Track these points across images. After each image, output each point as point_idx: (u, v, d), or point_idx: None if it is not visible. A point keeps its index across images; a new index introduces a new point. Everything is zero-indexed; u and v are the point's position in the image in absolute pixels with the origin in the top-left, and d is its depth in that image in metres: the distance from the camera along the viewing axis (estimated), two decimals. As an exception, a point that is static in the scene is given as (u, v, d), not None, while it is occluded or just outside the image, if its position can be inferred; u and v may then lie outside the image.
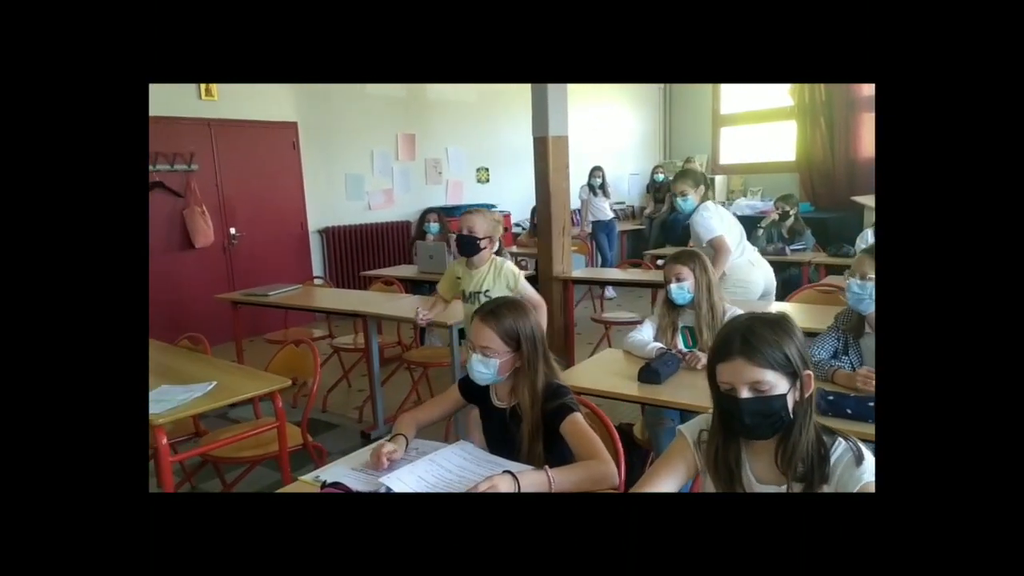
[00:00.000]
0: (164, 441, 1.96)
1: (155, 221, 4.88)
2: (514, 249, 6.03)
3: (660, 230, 7.73)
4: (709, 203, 3.37)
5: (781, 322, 1.14)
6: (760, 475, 1.18)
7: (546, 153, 4.13)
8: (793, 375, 1.11)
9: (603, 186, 6.72)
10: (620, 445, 1.66)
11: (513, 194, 7.28)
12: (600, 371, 2.23)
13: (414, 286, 4.41)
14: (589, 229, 6.79)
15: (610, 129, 8.41)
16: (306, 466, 2.52)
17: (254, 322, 4.91)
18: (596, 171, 6.70)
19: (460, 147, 7.01)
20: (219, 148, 5.23)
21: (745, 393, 1.10)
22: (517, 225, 7.22)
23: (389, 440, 1.56)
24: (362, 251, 6.20)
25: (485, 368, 1.52)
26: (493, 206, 6.98)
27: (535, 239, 5.07)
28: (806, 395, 1.12)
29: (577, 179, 6.79)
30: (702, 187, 3.35)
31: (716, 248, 3.19)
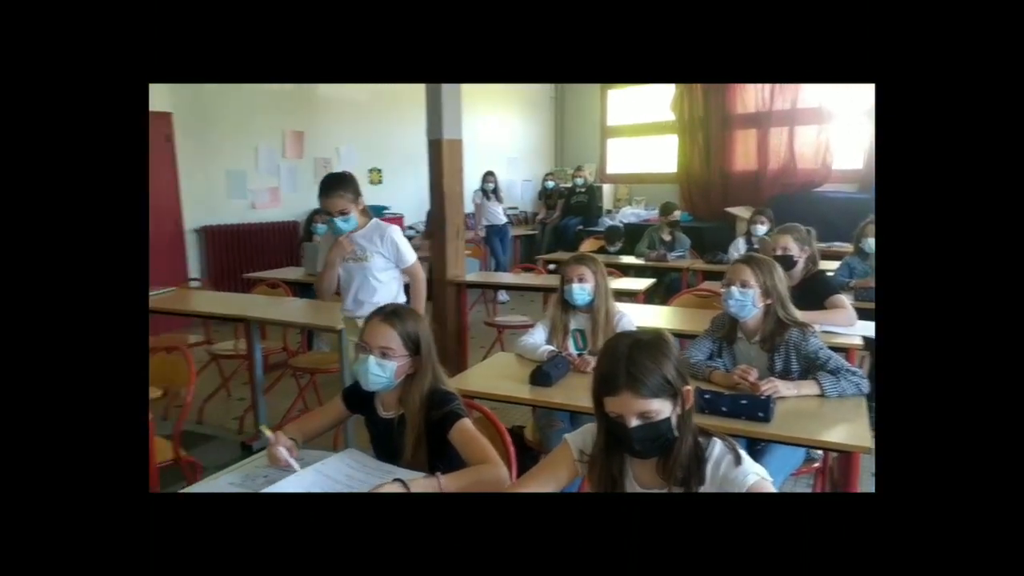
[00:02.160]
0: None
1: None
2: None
3: (552, 235, 7.96)
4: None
5: (659, 344, 1.17)
6: (643, 481, 1.24)
7: (440, 156, 4.11)
8: (675, 395, 1.16)
9: (496, 191, 6.80)
10: (512, 448, 1.68)
11: (407, 196, 7.18)
12: (492, 375, 2.24)
13: (301, 289, 4.23)
14: (483, 233, 6.83)
15: (503, 135, 8.51)
16: (179, 482, 2.34)
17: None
18: (489, 176, 6.77)
19: (352, 147, 6.82)
20: (79, 137, 4.76)
21: (634, 422, 1.14)
22: (410, 228, 7.12)
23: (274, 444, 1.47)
24: (245, 252, 5.87)
25: (382, 371, 1.48)
26: (386, 208, 6.86)
27: (429, 242, 5.04)
28: (687, 408, 1.18)
29: (471, 183, 6.84)
30: (360, 198, 2.62)
31: (416, 275, 2.72)
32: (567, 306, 2.41)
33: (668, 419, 1.15)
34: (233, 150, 5.80)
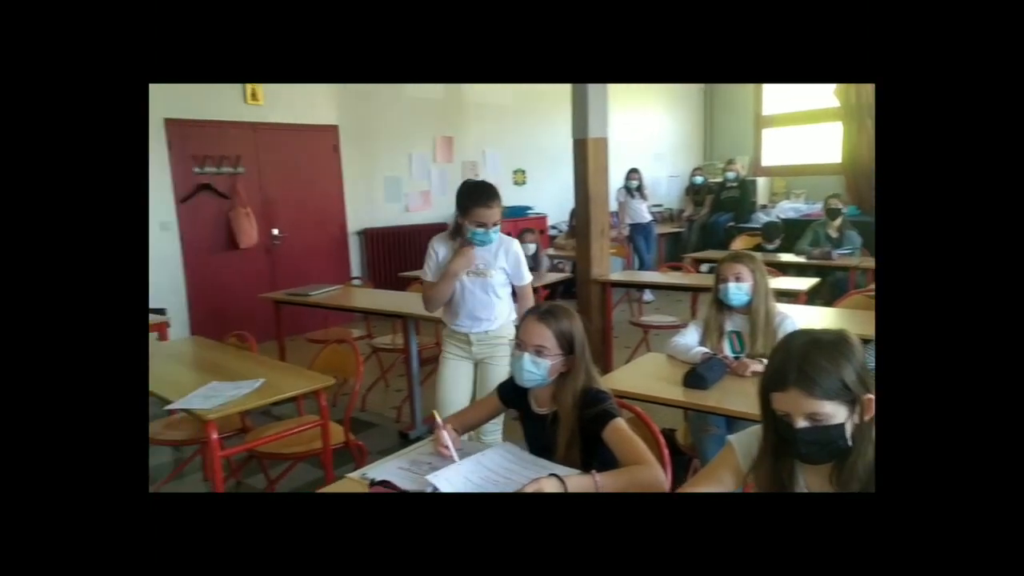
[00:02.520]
0: (215, 436, 2.00)
1: (203, 222, 5.02)
2: (551, 251, 6.02)
3: (700, 233, 7.66)
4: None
5: (839, 345, 1.08)
6: (814, 489, 1.15)
7: (586, 155, 4.11)
8: (853, 402, 1.06)
9: (640, 188, 6.67)
10: (666, 450, 1.64)
11: (550, 196, 7.27)
12: (642, 375, 2.20)
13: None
14: (627, 232, 6.74)
15: (647, 131, 8.33)
16: (347, 464, 2.55)
17: (295, 321, 4.99)
18: (633, 173, 6.65)
19: (497, 149, 7.03)
20: (263, 151, 5.34)
21: (802, 423, 1.06)
22: (554, 227, 7.20)
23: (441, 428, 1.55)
24: (400, 252, 6.26)
25: (536, 368, 1.51)
26: (529, 208, 6.99)
27: (572, 241, 5.05)
28: (866, 418, 1.08)
29: (614, 182, 6.77)
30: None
31: (527, 296, 2.46)
32: (722, 307, 2.30)
33: (841, 425, 1.06)
34: (390, 157, 6.22)
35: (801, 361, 1.06)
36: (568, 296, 4.80)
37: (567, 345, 1.51)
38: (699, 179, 7.84)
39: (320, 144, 5.70)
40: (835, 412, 1.06)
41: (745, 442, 1.21)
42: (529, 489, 1.26)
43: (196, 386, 2.16)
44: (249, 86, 5.17)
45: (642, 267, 6.59)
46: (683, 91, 8.76)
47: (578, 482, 1.30)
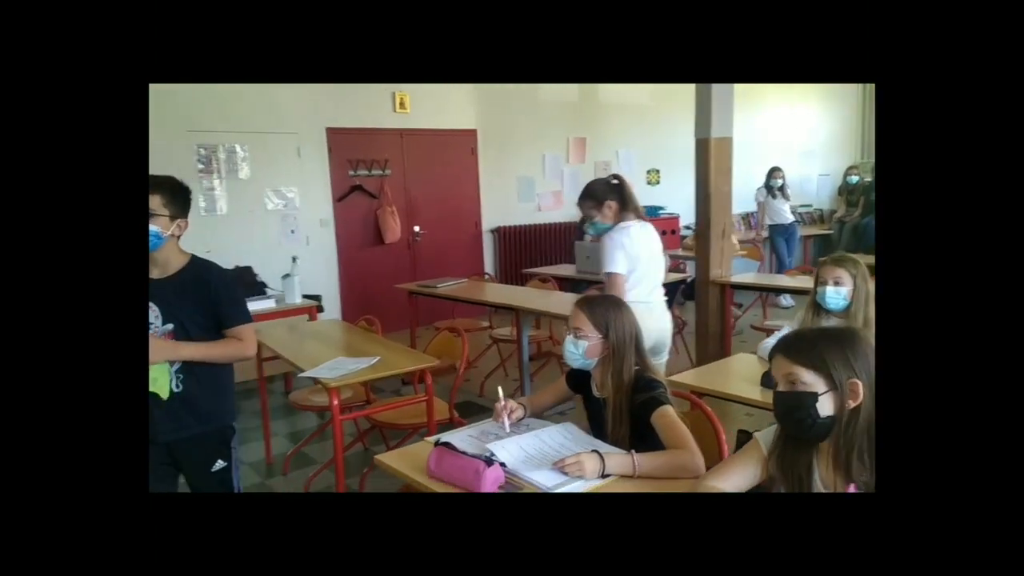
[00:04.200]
0: (336, 401, 2.35)
1: (354, 219, 5.62)
2: (679, 252, 5.95)
3: (852, 235, 7.12)
4: (631, 226, 2.56)
5: (843, 332, 1.20)
6: (825, 480, 1.20)
7: (707, 155, 4.06)
8: (833, 380, 1.13)
9: (783, 188, 6.35)
10: (726, 446, 1.69)
11: (684, 196, 7.12)
12: (725, 374, 2.22)
13: (572, 285, 4.59)
14: (766, 233, 6.45)
15: (798, 127, 7.87)
16: (452, 439, 2.82)
17: (430, 311, 5.44)
18: (775, 172, 6.35)
19: (631, 149, 7.05)
20: (408, 154, 5.86)
21: (780, 387, 1.18)
22: (687, 228, 7.07)
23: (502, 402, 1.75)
24: (530, 250, 6.53)
25: (574, 348, 1.67)
26: (662, 208, 6.93)
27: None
28: (850, 404, 1.13)
29: (756, 181, 6.50)
30: (612, 201, 2.58)
31: (608, 286, 2.53)
32: (819, 310, 2.25)
33: (813, 395, 1.13)
34: (524, 159, 6.50)
35: (795, 334, 1.21)
36: (691, 297, 4.75)
37: (603, 328, 1.65)
38: (854, 178, 7.28)
39: (459, 147, 6.12)
40: (813, 382, 1.14)
41: (771, 437, 1.27)
42: (569, 461, 1.41)
43: (327, 360, 2.54)
44: (398, 97, 5.70)
45: (781, 270, 6.28)
46: (837, 85, 8.15)
47: (617, 460, 1.43)
